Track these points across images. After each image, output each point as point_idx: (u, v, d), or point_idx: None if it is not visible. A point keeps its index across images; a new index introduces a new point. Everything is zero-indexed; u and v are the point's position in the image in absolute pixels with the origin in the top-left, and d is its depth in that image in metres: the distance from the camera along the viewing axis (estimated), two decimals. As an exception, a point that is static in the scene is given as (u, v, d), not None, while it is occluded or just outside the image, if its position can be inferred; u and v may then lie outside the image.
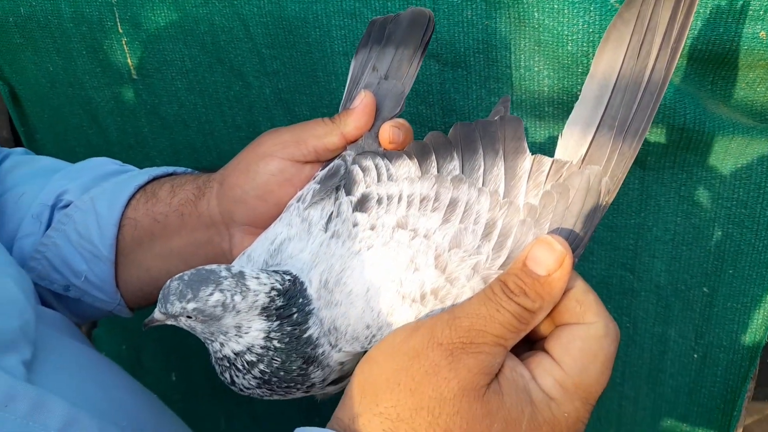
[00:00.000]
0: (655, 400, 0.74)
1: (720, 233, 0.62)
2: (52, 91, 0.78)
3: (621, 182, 0.40)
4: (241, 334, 0.40)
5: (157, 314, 0.41)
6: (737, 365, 0.68)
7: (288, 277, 0.41)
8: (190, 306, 0.39)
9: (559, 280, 0.34)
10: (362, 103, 0.47)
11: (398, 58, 0.49)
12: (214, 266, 0.40)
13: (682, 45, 0.39)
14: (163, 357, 0.96)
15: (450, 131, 0.44)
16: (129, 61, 0.72)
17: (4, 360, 0.41)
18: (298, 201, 0.46)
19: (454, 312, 0.35)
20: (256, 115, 0.71)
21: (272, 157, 0.48)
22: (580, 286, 0.36)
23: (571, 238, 0.38)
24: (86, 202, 0.54)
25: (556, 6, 0.52)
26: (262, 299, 0.40)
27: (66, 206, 0.54)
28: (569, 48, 0.53)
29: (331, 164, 0.47)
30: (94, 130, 0.81)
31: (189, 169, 0.59)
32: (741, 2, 0.50)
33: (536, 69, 0.57)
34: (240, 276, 0.40)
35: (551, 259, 0.34)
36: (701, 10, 0.51)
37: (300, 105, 0.69)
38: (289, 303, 0.41)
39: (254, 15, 0.64)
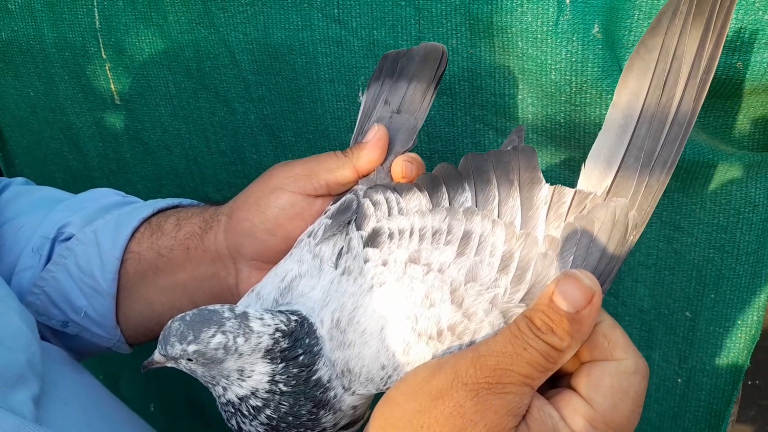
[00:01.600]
0: (641, 425, 0.73)
1: (701, 258, 0.63)
2: (33, 116, 0.77)
3: (649, 216, 0.38)
4: (244, 377, 0.39)
5: (157, 356, 0.39)
6: (721, 389, 0.68)
7: (294, 318, 0.40)
8: (191, 348, 0.37)
9: (588, 318, 0.33)
10: (375, 136, 0.46)
11: (411, 93, 0.48)
12: (217, 306, 0.39)
13: (711, 77, 0.38)
14: (141, 386, 0.94)
15: (461, 162, 0.43)
16: (112, 86, 0.72)
17: (13, 397, 0.40)
18: (309, 236, 0.45)
19: (478, 350, 0.33)
20: (240, 141, 0.71)
21: (283, 191, 0.47)
22: (608, 322, 0.35)
23: (596, 272, 0.36)
24: (88, 235, 0.52)
25: (539, 36, 0.53)
26: (266, 341, 0.38)
27: (67, 239, 0.53)
28: (553, 76, 0.54)
29: (343, 198, 0.46)
30: (75, 155, 0.80)
31: (195, 201, 0.58)
32: (718, 34, 0.51)
33: (520, 97, 0.58)
34: (243, 317, 0.38)
35: (580, 296, 0.32)
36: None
37: (285, 131, 0.69)
38: (295, 345, 0.39)
39: (240, 42, 0.64)
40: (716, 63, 0.38)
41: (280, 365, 0.39)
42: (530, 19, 0.53)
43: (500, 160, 0.41)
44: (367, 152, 0.46)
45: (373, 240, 0.42)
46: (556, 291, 0.33)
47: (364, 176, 0.48)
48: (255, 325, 0.38)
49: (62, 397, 0.45)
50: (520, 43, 0.54)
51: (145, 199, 0.81)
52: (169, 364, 0.40)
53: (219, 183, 0.76)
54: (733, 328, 0.65)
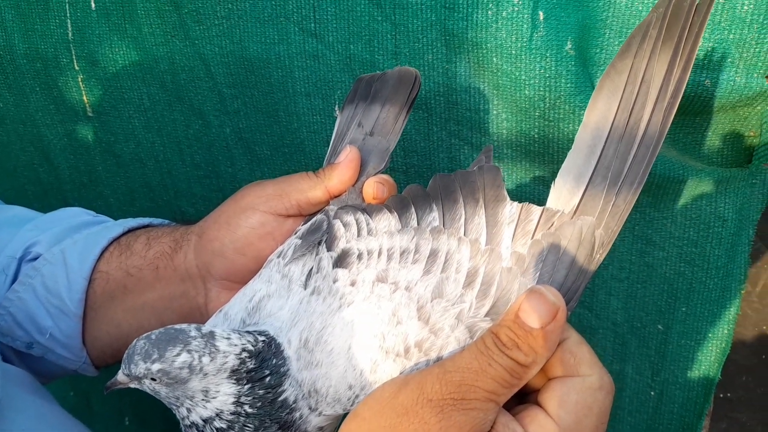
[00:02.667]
0: (615, 439, 0.74)
1: (672, 272, 0.64)
2: (2, 127, 0.75)
3: (616, 235, 0.39)
4: (209, 398, 0.38)
5: (120, 376, 0.39)
6: (693, 402, 0.69)
7: (262, 338, 0.40)
8: (155, 367, 0.37)
9: (552, 333, 0.33)
10: (347, 158, 0.47)
11: (384, 115, 0.49)
12: (184, 325, 0.38)
13: (678, 100, 0.39)
14: (114, 401, 0.91)
15: (429, 183, 0.43)
16: (85, 98, 0.71)
17: None
18: (278, 257, 0.45)
19: (444, 366, 0.33)
20: (215, 154, 0.71)
21: (254, 210, 0.47)
22: (574, 338, 0.35)
23: (563, 289, 0.37)
24: (56, 254, 0.51)
25: (513, 52, 0.54)
26: (232, 361, 0.38)
27: (34, 259, 0.52)
28: (526, 92, 0.55)
29: (314, 219, 0.46)
30: (45, 168, 0.78)
31: (166, 221, 0.57)
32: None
33: (495, 112, 0.58)
34: (210, 336, 0.38)
35: (544, 311, 0.33)
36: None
37: (260, 144, 0.69)
38: (262, 365, 0.39)
39: (216, 55, 0.63)
40: (683, 87, 0.39)
41: (246, 386, 0.38)
42: (504, 36, 0.53)
43: (467, 180, 0.42)
44: (339, 173, 0.47)
45: (342, 261, 0.42)
46: (522, 307, 0.33)
47: (335, 197, 0.48)
48: (221, 344, 0.38)
49: (21, 424, 0.43)
50: (494, 59, 0.55)
51: (117, 212, 0.80)
52: (132, 385, 0.39)
53: (193, 197, 0.75)
54: (705, 341, 0.66)
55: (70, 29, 0.67)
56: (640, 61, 0.40)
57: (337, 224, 0.44)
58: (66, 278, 0.51)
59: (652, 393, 0.70)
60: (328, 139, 0.66)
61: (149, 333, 0.38)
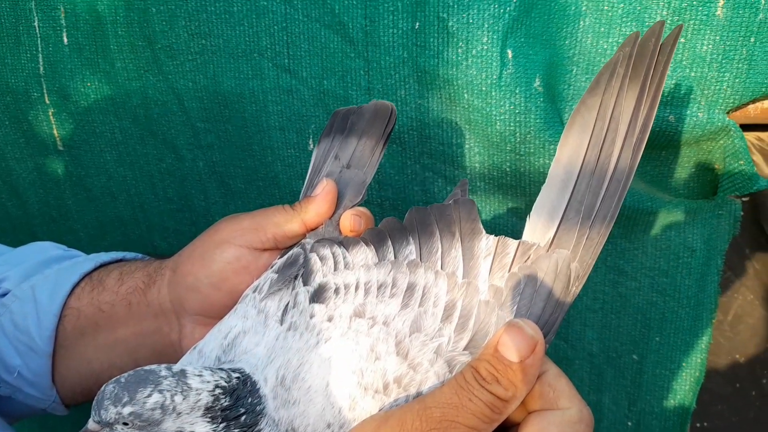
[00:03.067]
0: (594, 471, 0.74)
1: (645, 302, 0.65)
2: (-31, 161, 0.74)
3: (590, 268, 0.39)
4: None
5: (91, 424, 0.37)
6: (669, 431, 0.69)
7: (236, 375, 0.39)
8: (126, 410, 0.36)
9: (531, 367, 0.33)
10: (324, 190, 0.47)
11: (360, 148, 0.49)
12: (154, 366, 0.38)
13: (647, 136, 0.40)
14: None
15: (406, 216, 0.44)
16: (55, 132, 0.70)
17: None
18: (254, 291, 0.44)
19: (425, 402, 0.33)
20: (188, 188, 0.70)
21: (229, 244, 0.46)
22: (553, 371, 0.35)
23: (540, 322, 0.37)
24: (26, 290, 0.50)
25: (484, 88, 0.54)
26: (205, 398, 0.37)
27: (3, 295, 0.51)
28: (498, 127, 0.56)
29: (290, 252, 0.46)
30: (14, 202, 0.77)
31: (139, 255, 0.56)
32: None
33: (467, 146, 0.59)
34: (181, 375, 0.37)
35: (523, 345, 0.33)
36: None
37: (234, 178, 0.68)
38: (237, 403, 0.38)
39: (189, 89, 0.63)
40: (651, 123, 0.40)
41: (221, 425, 0.37)
42: (475, 73, 0.54)
43: (443, 213, 0.42)
44: (316, 206, 0.46)
45: (319, 295, 0.41)
46: (501, 341, 0.33)
47: (312, 230, 0.47)
48: (193, 382, 0.37)
49: None
50: (465, 95, 0.56)
51: (88, 246, 0.78)
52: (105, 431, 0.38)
53: (166, 230, 0.74)
54: (679, 370, 0.67)
55: (41, 63, 0.66)
56: (608, 97, 0.41)
57: (314, 258, 0.44)
58: (36, 315, 0.49)
59: (629, 423, 0.70)
60: (302, 173, 0.67)
61: (118, 377, 0.37)
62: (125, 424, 0.36)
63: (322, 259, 0.43)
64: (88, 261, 0.53)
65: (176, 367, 0.38)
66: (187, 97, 0.64)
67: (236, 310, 0.44)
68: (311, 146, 0.64)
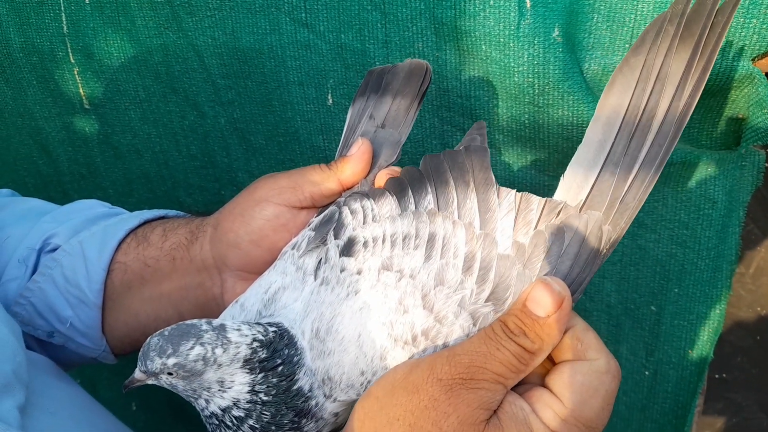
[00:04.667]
0: (610, 419, 0.75)
1: (664, 253, 0.64)
2: (0, 121, 0.76)
3: (624, 231, 0.38)
4: (225, 388, 0.39)
5: (137, 374, 0.40)
6: (686, 381, 0.69)
7: (273, 329, 0.41)
8: (171, 361, 0.38)
9: (558, 322, 0.35)
10: (359, 150, 0.47)
11: (395, 108, 0.49)
12: (195, 320, 0.40)
13: (695, 101, 0.38)
14: (121, 386, 0.93)
15: (420, 164, 0.44)
16: (81, 90, 0.71)
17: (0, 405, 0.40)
18: (293, 248, 0.45)
19: (454, 350, 0.35)
20: (211, 145, 0.71)
21: (268, 202, 0.47)
22: (581, 325, 0.36)
23: (568, 280, 0.37)
24: (74, 246, 0.52)
25: (502, 39, 0.54)
26: (244, 351, 0.39)
27: (53, 250, 0.53)
28: (516, 79, 0.55)
29: (326, 211, 0.46)
30: (45, 160, 0.79)
31: (181, 213, 0.57)
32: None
33: (486, 99, 0.59)
34: (221, 329, 0.39)
35: (550, 301, 0.34)
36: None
37: (255, 134, 0.69)
38: (274, 355, 0.40)
39: (209, 46, 0.64)
40: (702, 87, 0.38)
41: (260, 375, 0.39)
42: (493, 24, 0.54)
43: (455, 161, 0.42)
44: (352, 165, 0.47)
45: (348, 249, 0.42)
46: (529, 296, 0.35)
47: (348, 189, 0.48)
48: (233, 335, 0.39)
49: (48, 407, 0.45)
50: (483, 47, 0.55)
51: (116, 203, 0.80)
52: (150, 381, 0.40)
53: (190, 187, 0.76)
54: (697, 321, 0.67)
55: (64, 23, 0.67)
56: (653, 57, 0.39)
57: (345, 211, 0.44)
58: (85, 269, 0.51)
59: (647, 373, 0.71)
60: (322, 128, 0.67)
61: (162, 330, 0.39)
62: (170, 374, 0.39)
63: (353, 212, 0.44)
64: (133, 218, 0.55)
65: (216, 322, 0.40)
66: (206, 53, 0.64)
67: (276, 266, 0.46)
68: (330, 101, 0.65)
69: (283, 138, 0.69)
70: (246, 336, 0.39)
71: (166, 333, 0.39)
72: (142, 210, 0.57)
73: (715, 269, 0.64)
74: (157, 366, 0.38)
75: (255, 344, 0.39)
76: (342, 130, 0.66)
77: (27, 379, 0.43)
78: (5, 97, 0.73)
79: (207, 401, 0.40)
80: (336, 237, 0.44)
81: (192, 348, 0.38)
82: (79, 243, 0.52)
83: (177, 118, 0.70)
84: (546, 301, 0.34)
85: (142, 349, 0.39)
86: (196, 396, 0.40)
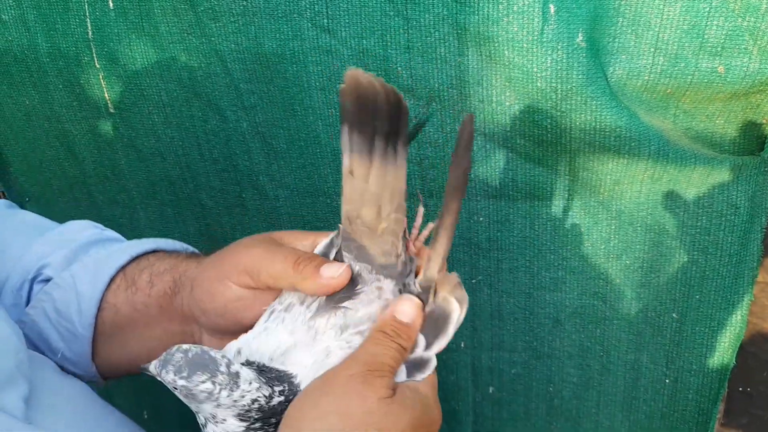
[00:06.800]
0: (630, 427, 0.74)
1: (686, 260, 0.64)
2: (28, 124, 0.77)
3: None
4: (217, 422, 0.42)
5: (152, 368, 0.42)
6: (707, 388, 0.69)
7: (279, 389, 0.43)
8: (180, 383, 0.41)
9: (417, 323, 0.45)
10: (333, 280, 0.45)
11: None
12: (218, 355, 0.42)
13: None
14: (134, 395, 0.94)
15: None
16: (106, 95, 0.72)
17: (3, 397, 0.41)
18: (301, 304, 0.46)
19: (355, 355, 0.43)
20: (233, 149, 0.72)
21: (229, 282, 0.47)
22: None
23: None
24: (67, 279, 0.54)
25: (525, 45, 0.54)
26: (242, 405, 0.42)
27: (46, 280, 0.54)
28: (539, 84, 0.55)
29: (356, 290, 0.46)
30: (71, 162, 0.80)
31: (170, 244, 0.57)
32: (699, 39, 0.52)
33: (507, 104, 0.59)
34: (236, 376, 0.41)
35: (413, 312, 0.45)
36: (663, 47, 0.53)
37: (277, 138, 0.70)
38: (271, 416, 0.42)
39: (232, 51, 0.65)
40: None
41: (256, 423, 0.42)
42: (516, 29, 0.54)
43: None
44: (316, 287, 0.45)
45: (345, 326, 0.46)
46: (397, 310, 0.45)
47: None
48: (243, 387, 0.42)
49: (51, 402, 0.46)
50: (506, 52, 0.55)
51: (140, 205, 0.82)
52: (158, 379, 0.42)
53: (212, 189, 0.76)
54: (719, 327, 0.66)
55: (89, 28, 0.68)
56: None
57: (364, 289, 0.46)
58: (77, 304, 0.53)
59: (667, 381, 0.71)
60: (342, 132, 0.68)
61: (188, 348, 0.41)
62: (175, 388, 0.42)
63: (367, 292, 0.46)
64: (122, 253, 0.55)
65: (235, 367, 0.42)
66: (229, 59, 0.65)
67: (284, 321, 0.46)
68: (351, 106, 0.65)
69: (305, 142, 0.69)
70: (249, 392, 0.42)
71: (190, 355, 0.41)
72: (134, 240, 0.57)
73: (736, 275, 0.63)
74: (169, 379, 0.41)
75: (255, 405, 0.42)
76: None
77: (30, 374, 0.45)
78: (33, 101, 0.75)
79: (205, 423, 0.43)
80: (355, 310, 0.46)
81: (203, 382, 0.41)
82: (71, 276, 0.54)
83: (199, 122, 0.71)
84: (410, 312, 0.45)
85: (165, 355, 0.41)
86: (196, 411, 0.43)
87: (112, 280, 0.53)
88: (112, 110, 0.73)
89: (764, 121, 0.57)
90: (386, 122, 0.40)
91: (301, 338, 0.45)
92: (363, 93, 0.39)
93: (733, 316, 0.65)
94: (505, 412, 0.80)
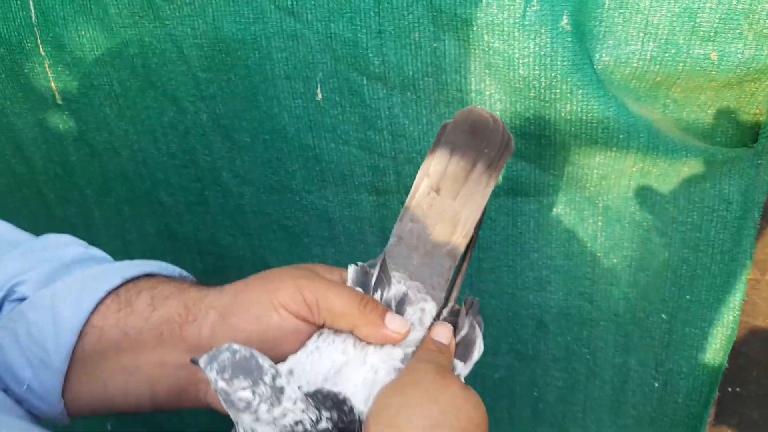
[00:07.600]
0: (618, 432, 0.73)
1: (676, 258, 0.62)
2: (-33, 117, 0.72)
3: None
4: None
5: (202, 362, 0.39)
6: (698, 391, 0.67)
7: (327, 415, 0.40)
8: (220, 385, 0.38)
9: (452, 344, 0.48)
10: (403, 335, 0.45)
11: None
12: (266, 363, 0.39)
13: None
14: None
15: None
16: (53, 85, 0.67)
17: None
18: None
19: (416, 359, 0.45)
20: (192, 143, 0.68)
21: (288, 313, 0.44)
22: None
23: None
24: (45, 299, 0.46)
25: (506, 29, 0.50)
26: (283, 424, 0.38)
27: (20, 299, 0.47)
28: (521, 72, 0.52)
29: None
30: (18, 159, 0.75)
31: (168, 268, 0.51)
32: (691, 23, 0.49)
33: (487, 93, 0.55)
34: (279, 391, 0.38)
35: (448, 335, 0.47)
36: (652, 32, 0.50)
37: (240, 131, 0.66)
38: None
39: (188, 36, 0.60)
40: None
41: None
42: (496, 11, 0.50)
43: None
44: (377, 335, 0.45)
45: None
46: (435, 334, 0.47)
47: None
48: (285, 405, 0.38)
49: None
50: (485, 37, 0.52)
51: (94, 204, 0.77)
52: (205, 375, 0.39)
53: (171, 187, 0.72)
54: (710, 328, 0.65)
55: (33, 11, 0.63)
56: None
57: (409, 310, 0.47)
58: (53, 329, 0.46)
59: (656, 384, 0.69)
60: (310, 125, 0.64)
61: (238, 347, 0.38)
62: (215, 390, 0.38)
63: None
64: (114, 274, 0.48)
65: (281, 381, 0.39)
66: (186, 44, 0.60)
67: (334, 342, 0.45)
68: (319, 96, 0.61)
69: (270, 135, 0.65)
70: (294, 413, 0.39)
71: (237, 356, 0.38)
72: (125, 261, 0.51)
73: (728, 274, 0.61)
74: (212, 377, 0.38)
75: (299, 427, 0.39)
76: (332, 127, 0.62)
77: None
78: (-28, 91, 0.69)
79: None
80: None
81: (244, 389, 0.38)
82: (51, 296, 0.47)
83: (155, 114, 0.67)
84: (447, 334, 0.47)
85: (214, 350, 0.39)
86: (235, 421, 0.40)
87: (101, 301, 0.47)
88: (59, 101, 0.68)
89: (757, 112, 0.55)
90: (495, 151, 0.47)
91: (353, 357, 0.44)
92: (480, 120, 0.47)
93: (725, 316, 0.63)
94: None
